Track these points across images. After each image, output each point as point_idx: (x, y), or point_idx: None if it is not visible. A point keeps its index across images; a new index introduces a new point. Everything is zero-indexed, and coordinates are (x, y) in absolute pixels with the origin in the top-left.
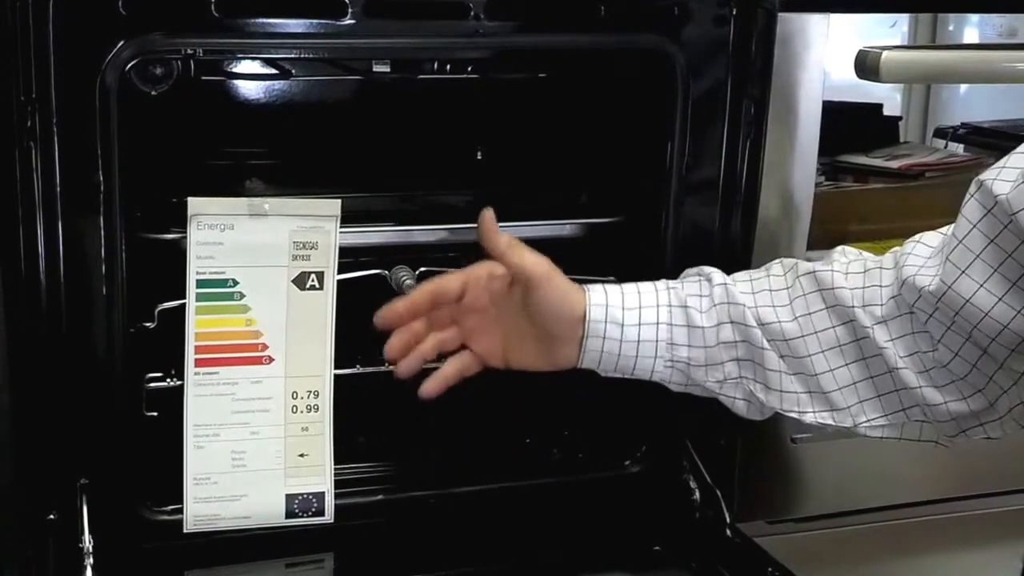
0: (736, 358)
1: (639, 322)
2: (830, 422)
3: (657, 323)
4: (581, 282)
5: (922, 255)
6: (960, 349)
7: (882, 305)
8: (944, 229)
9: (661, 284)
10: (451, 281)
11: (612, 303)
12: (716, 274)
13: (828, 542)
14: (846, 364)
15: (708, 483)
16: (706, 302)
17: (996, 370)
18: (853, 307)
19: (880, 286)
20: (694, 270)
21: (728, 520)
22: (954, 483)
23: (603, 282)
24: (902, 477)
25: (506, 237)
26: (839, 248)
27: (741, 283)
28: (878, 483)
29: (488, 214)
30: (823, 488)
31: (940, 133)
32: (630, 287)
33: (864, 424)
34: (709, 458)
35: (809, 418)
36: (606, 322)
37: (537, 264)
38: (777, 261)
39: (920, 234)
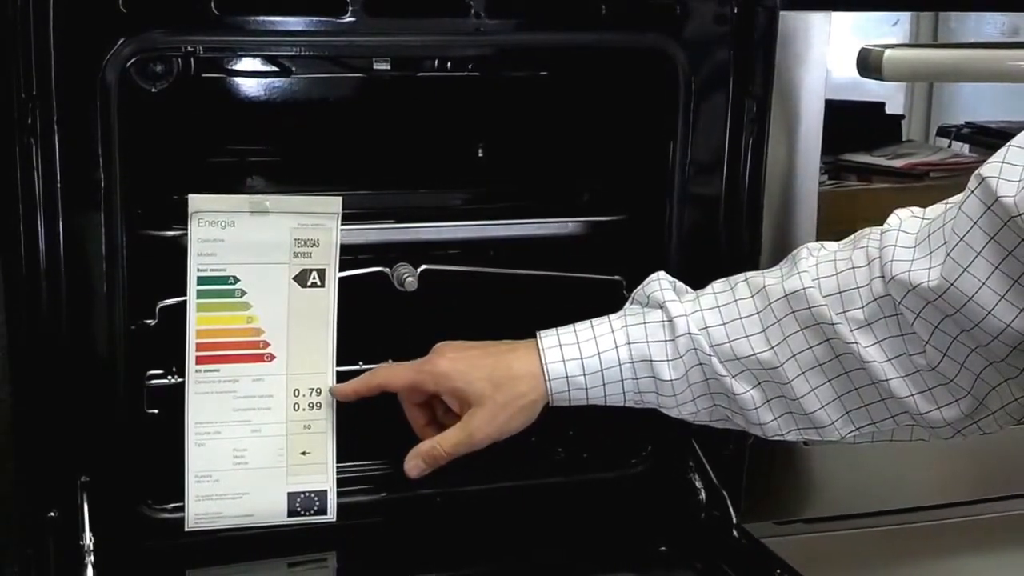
0: (709, 396)
1: (603, 382)
2: (816, 438)
3: (622, 379)
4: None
5: (906, 245)
6: (949, 349)
7: (863, 308)
8: (919, 211)
9: (621, 335)
10: (398, 379)
11: (572, 373)
12: (674, 307)
13: (837, 544)
14: (828, 381)
15: (714, 483)
16: (671, 350)
17: (986, 367)
18: (833, 323)
19: (857, 287)
20: (648, 292)
21: (734, 520)
22: (966, 487)
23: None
24: (914, 480)
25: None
26: (804, 248)
27: (708, 313)
28: (889, 485)
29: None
30: (833, 489)
31: (943, 132)
32: (587, 343)
33: (851, 434)
34: (716, 458)
35: (793, 436)
36: (569, 390)
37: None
38: (742, 279)
39: (893, 219)
